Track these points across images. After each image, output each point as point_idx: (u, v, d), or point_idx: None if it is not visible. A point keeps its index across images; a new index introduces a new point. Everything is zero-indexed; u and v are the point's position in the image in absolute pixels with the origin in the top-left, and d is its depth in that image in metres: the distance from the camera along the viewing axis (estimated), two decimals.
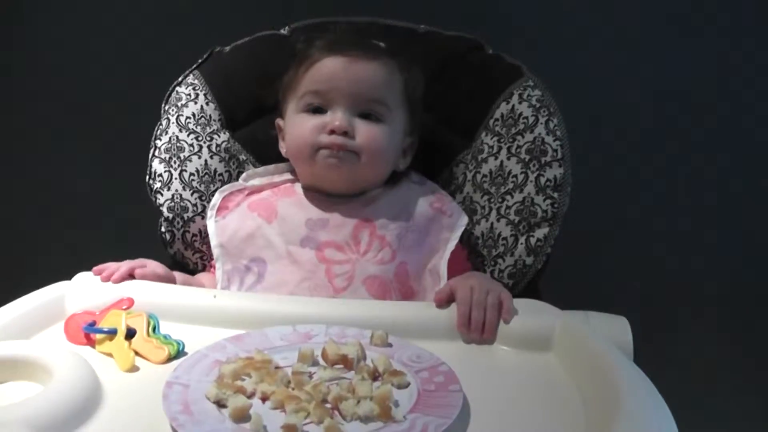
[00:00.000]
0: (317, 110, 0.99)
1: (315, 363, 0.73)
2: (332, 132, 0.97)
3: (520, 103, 1.03)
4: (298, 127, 1.00)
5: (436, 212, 1.01)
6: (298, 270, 0.97)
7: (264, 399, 0.66)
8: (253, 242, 1.00)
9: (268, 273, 0.98)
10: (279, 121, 1.07)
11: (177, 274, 0.99)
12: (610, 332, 0.80)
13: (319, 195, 1.02)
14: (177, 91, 1.10)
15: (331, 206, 1.01)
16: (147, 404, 0.65)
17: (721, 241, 1.52)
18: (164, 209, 1.05)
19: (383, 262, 0.96)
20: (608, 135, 1.47)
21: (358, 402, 0.64)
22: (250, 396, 0.66)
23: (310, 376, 0.70)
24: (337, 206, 1.00)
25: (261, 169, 1.10)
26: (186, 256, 1.08)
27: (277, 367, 0.71)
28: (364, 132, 0.98)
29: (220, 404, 0.64)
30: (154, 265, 0.94)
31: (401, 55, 1.03)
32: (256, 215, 1.02)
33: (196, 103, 1.09)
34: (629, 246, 1.53)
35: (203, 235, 1.06)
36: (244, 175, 1.08)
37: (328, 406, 0.64)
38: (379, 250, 0.97)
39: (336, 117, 0.97)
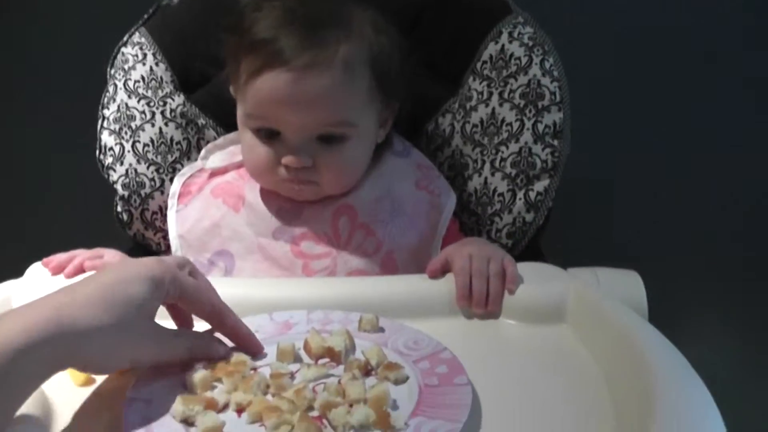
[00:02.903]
0: (269, 134, 0.84)
1: (297, 359, 0.63)
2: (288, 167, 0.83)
3: (510, 42, 0.91)
4: (250, 151, 0.86)
5: (423, 192, 0.91)
6: (271, 267, 0.86)
7: (239, 411, 0.56)
8: (218, 233, 0.89)
9: (236, 269, 0.87)
10: (233, 90, 0.90)
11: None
12: (622, 290, 0.74)
13: None
14: (122, 53, 0.97)
15: None
16: (104, 425, 0.56)
17: (722, 188, 1.43)
18: (118, 186, 0.94)
19: (368, 254, 0.86)
20: (609, 73, 1.35)
21: (351, 408, 0.54)
22: (223, 409, 0.56)
23: (292, 376, 0.60)
24: None
25: (221, 139, 0.96)
26: (147, 236, 0.97)
27: (253, 369, 0.61)
28: (328, 160, 0.83)
29: (188, 422, 0.54)
30: (110, 255, 0.83)
31: (366, 15, 0.85)
32: (221, 202, 0.90)
33: (144, 64, 0.97)
34: (632, 195, 1.43)
35: (164, 212, 0.95)
36: (203, 151, 0.95)
37: (315, 413, 0.55)
38: (363, 239, 0.87)
39: (290, 149, 0.82)
